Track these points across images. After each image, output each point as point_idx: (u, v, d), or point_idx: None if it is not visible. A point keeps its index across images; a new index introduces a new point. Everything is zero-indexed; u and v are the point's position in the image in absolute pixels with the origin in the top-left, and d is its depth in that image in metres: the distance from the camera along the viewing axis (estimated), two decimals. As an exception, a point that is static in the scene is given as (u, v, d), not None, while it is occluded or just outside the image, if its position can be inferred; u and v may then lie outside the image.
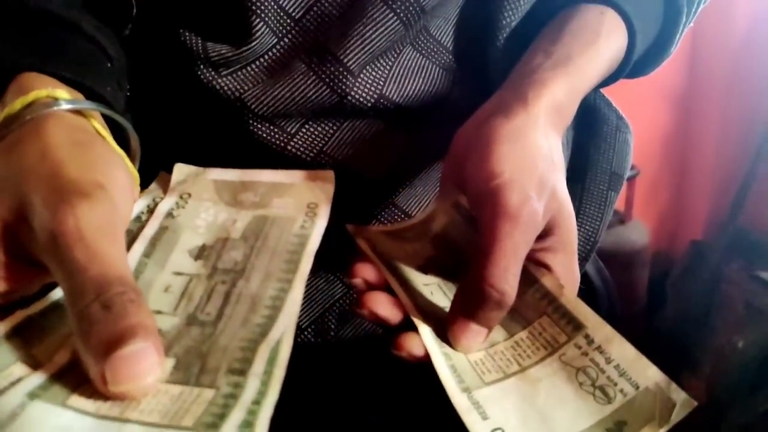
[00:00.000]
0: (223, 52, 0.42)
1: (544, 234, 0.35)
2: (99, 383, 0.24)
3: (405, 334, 0.32)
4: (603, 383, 0.30)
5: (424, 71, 0.45)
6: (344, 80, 0.42)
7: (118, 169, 0.31)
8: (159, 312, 0.30)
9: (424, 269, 0.37)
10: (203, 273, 0.32)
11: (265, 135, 0.44)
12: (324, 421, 0.48)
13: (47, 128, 0.30)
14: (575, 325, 0.32)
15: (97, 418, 0.24)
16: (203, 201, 0.35)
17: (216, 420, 0.24)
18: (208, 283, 0.31)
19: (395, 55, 0.44)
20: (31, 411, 0.24)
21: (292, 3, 0.41)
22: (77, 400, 0.25)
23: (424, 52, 0.45)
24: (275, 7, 0.41)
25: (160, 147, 0.41)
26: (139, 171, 0.35)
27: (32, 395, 0.24)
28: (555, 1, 0.45)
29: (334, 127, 0.45)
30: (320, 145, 0.44)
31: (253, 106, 0.43)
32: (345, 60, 0.42)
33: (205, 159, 0.38)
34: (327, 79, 0.42)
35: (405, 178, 0.47)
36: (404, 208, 0.47)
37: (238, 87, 0.43)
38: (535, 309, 0.34)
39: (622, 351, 0.31)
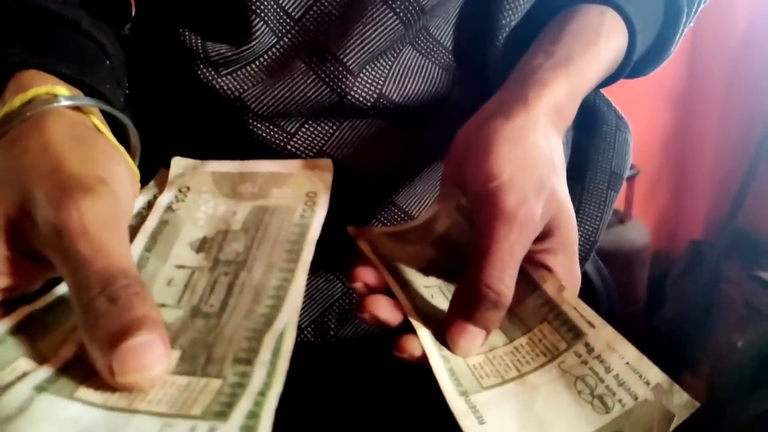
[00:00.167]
0: (222, 51, 0.42)
1: (544, 235, 0.35)
2: (106, 375, 0.24)
3: (406, 336, 0.32)
4: (602, 392, 0.30)
5: (424, 71, 0.45)
6: (344, 80, 0.42)
7: (119, 165, 0.31)
8: (163, 305, 0.30)
9: (426, 271, 0.36)
10: (205, 265, 0.32)
11: (264, 134, 0.44)
12: (324, 421, 0.48)
13: (48, 124, 0.30)
14: (576, 333, 0.32)
15: (106, 409, 0.24)
16: (202, 194, 0.35)
17: (224, 409, 0.24)
18: (211, 275, 0.31)
19: (395, 55, 0.44)
20: (39, 404, 0.24)
21: (291, 3, 0.41)
22: (85, 393, 0.25)
23: (423, 51, 0.45)
24: (275, 6, 0.41)
25: (159, 145, 0.41)
26: (139, 169, 0.35)
27: (39, 388, 0.25)
28: (555, 1, 0.45)
29: (334, 127, 0.44)
30: (320, 144, 0.44)
31: (252, 106, 0.43)
32: (345, 59, 0.42)
33: (204, 158, 0.38)
34: (327, 79, 0.42)
35: (405, 177, 0.47)
36: (404, 207, 0.47)
37: (238, 86, 0.43)
38: (536, 315, 0.33)
39: (625, 352, 0.31)
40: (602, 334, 0.32)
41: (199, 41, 0.42)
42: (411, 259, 0.37)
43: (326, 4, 0.41)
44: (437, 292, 0.35)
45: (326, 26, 0.42)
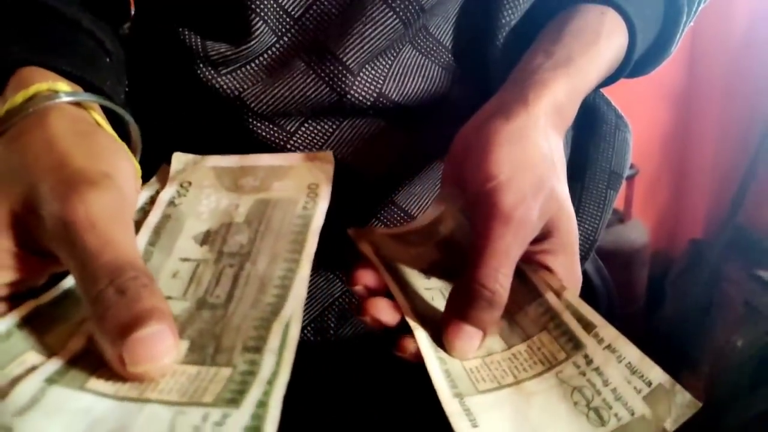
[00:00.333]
0: (222, 50, 0.42)
1: (544, 236, 0.35)
2: (117, 365, 0.25)
3: (407, 337, 0.32)
4: (598, 405, 0.29)
5: (424, 70, 0.45)
6: (343, 79, 0.42)
7: (123, 160, 0.31)
8: (169, 297, 0.30)
9: (428, 273, 0.36)
10: (210, 258, 0.32)
11: (264, 134, 0.44)
12: (324, 420, 0.48)
13: (50, 120, 0.30)
14: (575, 344, 0.32)
15: (117, 399, 0.24)
16: (204, 188, 0.35)
17: (236, 396, 0.24)
18: (216, 267, 0.31)
19: (395, 54, 0.44)
20: (51, 395, 0.24)
21: (291, 2, 0.41)
22: (95, 384, 0.25)
23: (423, 51, 0.45)
24: (275, 6, 0.41)
25: (159, 144, 0.41)
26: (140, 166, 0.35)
27: (50, 380, 0.25)
28: (555, 1, 0.45)
29: (334, 126, 0.44)
30: (320, 143, 0.44)
31: (252, 105, 0.43)
32: (344, 59, 0.42)
33: None
34: (326, 78, 0.42)
35: (405, 177, 0.47)
36: (404, 207, 0.47)
37: (238, 86, 0.43)
38: (536, 323, 0.33)
39: (627, 352, 0.31)
40: (605, 333, 0.32)
41: (199, 40, 0.42)
42: (413, 261, 0.37)
43: (326, 3, 0.41)
44: (438, 295, 0.35)
45: (326, 25, 0.42)
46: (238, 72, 0.43)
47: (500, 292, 0.32)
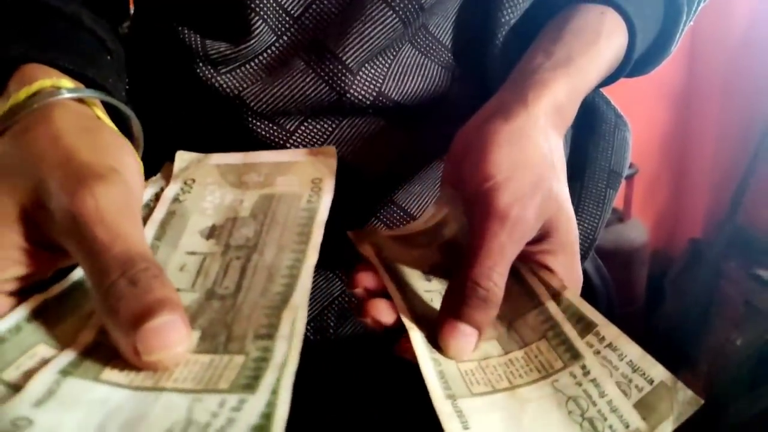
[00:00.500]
0: (222, 49, 0.42)
1: (543, 236, 0.35)
2: (130, 355, 0.25)
3: (408, 337, 0.32)
4: (593, 416, 0.29)
5: (423, 69, 0.45)
6: (343, 78, 0.42)
7: (128, 155, 0.32)
8: (178, 290, 0.30)
9: (428, 275, 0.36)
10: (216, 251, 0.32)
11: (264, 133, 0.44)
12: (324, 420, 0.48)
13: (55, 116, 0.31)
14: (573, 354, 0.31)
15: (132, 389, 0.25)
16: (208, 185, 0.36)
17: (251, 382, 0.24)
18: (223, 260, 0.32)
19: (394, 53, 0.44)
20: (66, 387, 0.24)
21: (291, 1, 0.41)
22: (110, 374, 0.25)
23: (423, 50, 0.45)
24: (274, 5, 0.41)
25: (159, 143, 0.41)
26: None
27: (65, 372, 0.25)
28: (555, 0, 0.45)
29: (333, 125, 0.45)
30: (319, 142, 0.44)
31: (252, 104, 0.43)
32: (344, 58, 0.42)
33: None
34: (326, 77, 0.42)
35: (404, 176, 0.47)
36: (403, 206, 0.47)
37: (237, 85, 0.43)
38: (535, 331, 0.33)
39: (628, 350, 0.31)
40: (606, 332, 0.32)
41: (199, 39, 0.42)
42: (415, 263, 0.36)
43: (325, 2, 0.41)
44: (437, 297, 0.35)
45: (325, 24, 0.42)
46: (238, 71, 0.43)
47: (494, 290, 0.31)
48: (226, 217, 0.34)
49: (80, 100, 0.33)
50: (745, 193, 1.53)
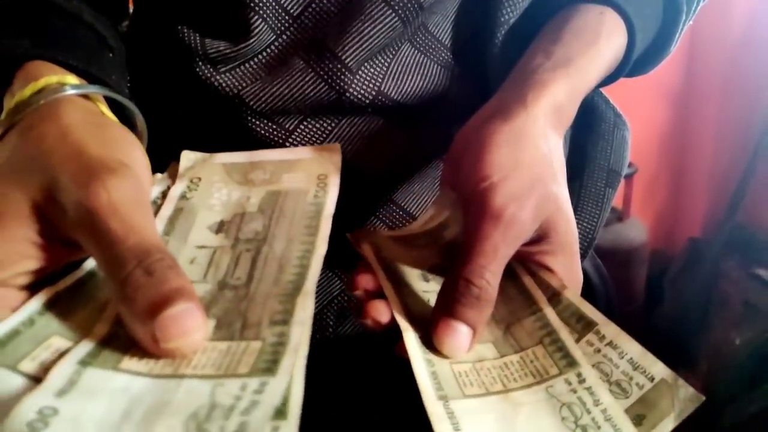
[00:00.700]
0: (221, 48, 0.42)
1: (542, 236, 0.35)
2: (149, 343, 0.25)
3: None
4: (586, 423, 0.29)
5: (423, 68, 0.45)
6: (342, 77, 0.42)
7: (136, 150, 0.32)
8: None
9: (427, 276, 0.36)
10: (226, 244, 0.32)
11: (263, 132, 0.44)
12: (324, 419, 0.48)
13: (62, 111, 0.31)
14: (569, 362, 0.31)
15: (153, 377, 0.25)
16: (214, 183, 0.36)
17: (270, 365, 0.25)
18: (233, 252, 0.32)
19: (393, 52, 0.44)
20: (87, 377, 0.25)
21: (290, 0, 0.41)
22: (129, 363, 0.26)
23: (422, 49, 0.45)
24: (274, 4, 0.41)
25: (159, 142, 0.41)
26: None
27: (84, 363, 0.25)
28: (554, 0, 0.45)
29: (333, 124, 0.45)
30: (318, 142, 0.44)
31: (251, 103, 0.43)
32: (343, 57, 0.42)
33: None
34: (325, 76, 0.42)
35: (404, 175, 0.47)
36: (403, 205, 0.47)
37: (236, 84, 0.43)
38: (532, 336, 0.33)
39: (629, 348, 0.31)
40: (607, 330, 0.32)
41: (198, 38, 0.42)
42: (414, 263, 0.36)
43: (325, 1, 0.42)
44: (435, 298, 0.35)
45: (324, 23, 0.42)
46: (237, 70, 0.43)
47: (487, 288, 0.31)
48: (234, 213, 0.34)
49: (85, 97, 0.33)
50: (745, 192, 1.53)
